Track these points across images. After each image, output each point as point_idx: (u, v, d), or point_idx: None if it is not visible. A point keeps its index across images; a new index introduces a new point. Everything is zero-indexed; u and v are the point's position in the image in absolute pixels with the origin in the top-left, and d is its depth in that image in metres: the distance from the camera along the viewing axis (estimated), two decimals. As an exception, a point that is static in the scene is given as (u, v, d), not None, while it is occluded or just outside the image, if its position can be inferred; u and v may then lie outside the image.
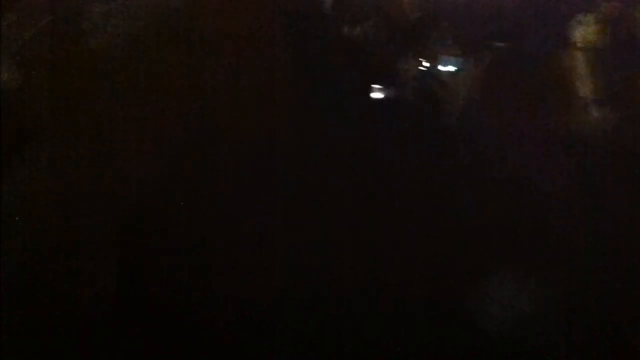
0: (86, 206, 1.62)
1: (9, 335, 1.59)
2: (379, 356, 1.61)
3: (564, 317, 1.62)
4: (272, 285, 1.60)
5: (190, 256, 1.62)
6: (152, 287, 1.61)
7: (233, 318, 1.60)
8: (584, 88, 2.16)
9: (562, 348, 1.62)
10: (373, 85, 1.75)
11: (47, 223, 1.61)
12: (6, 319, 1.58)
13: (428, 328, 1.61)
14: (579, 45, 2.23)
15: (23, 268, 1.60)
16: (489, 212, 1.66)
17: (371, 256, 1.63)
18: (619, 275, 1.63)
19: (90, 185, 1.63)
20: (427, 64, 1.86)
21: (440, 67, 1.98)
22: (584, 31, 2.23)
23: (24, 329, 1.59)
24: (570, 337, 1.62)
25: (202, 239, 1.63)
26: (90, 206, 1.62)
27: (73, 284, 1.61)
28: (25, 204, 1.61)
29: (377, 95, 1.76)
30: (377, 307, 1.61)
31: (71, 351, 1.59)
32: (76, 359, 1.59)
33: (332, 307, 1.61)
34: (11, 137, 1.66)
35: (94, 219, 1.62)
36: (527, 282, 1.60)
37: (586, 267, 1.63)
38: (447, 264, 1.63)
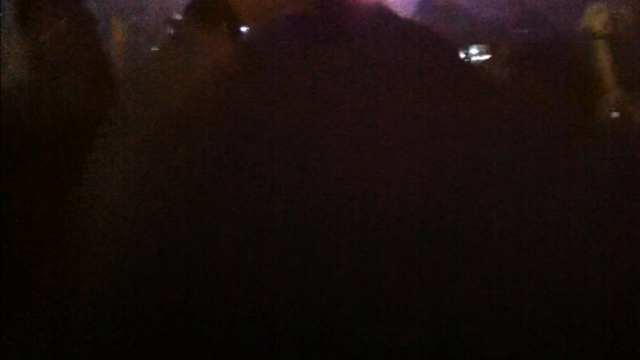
0: (87, 207, 1.62)
1: (10, 335, 1.60)
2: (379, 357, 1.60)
3: (563, 320, 1.60)
4: (272, 288, 1.59)
5: (189, 258, 1.62)
6: (154, 289, 1.61)
7: (235, 321, 1.59)
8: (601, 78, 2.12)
9: (562, 350, 1.61)
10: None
11: (48, 224, 1.62)
12: (6, 318, 1.59)
13: (428, 330, 1.60)
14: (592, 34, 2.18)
15: (23, 268, 1.61)
16: (492, 213, 1.64)
17: (373, 259, 1.61)
18: (618, 276, 1.61)
19: (91, 187, 1.62)
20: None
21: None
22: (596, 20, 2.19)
23: (24, 329, 1.60)
24: (570, 339, 1.60)
25: (202, 240, 1.63)
26: (92, 207, 1.62)
27: (73, 284, 1.61)
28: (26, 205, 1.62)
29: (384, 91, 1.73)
30: (378, 309, 1.60)
31: (71, 351, 1.60)
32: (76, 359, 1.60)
33: (334, 310, 1.60)
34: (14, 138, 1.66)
35: (95, 220, 1.62)
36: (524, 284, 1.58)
37: (585, 269, 1.61)
38: (449, 267, 1.61)
